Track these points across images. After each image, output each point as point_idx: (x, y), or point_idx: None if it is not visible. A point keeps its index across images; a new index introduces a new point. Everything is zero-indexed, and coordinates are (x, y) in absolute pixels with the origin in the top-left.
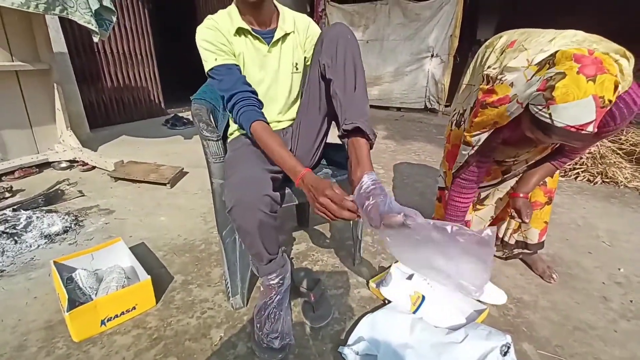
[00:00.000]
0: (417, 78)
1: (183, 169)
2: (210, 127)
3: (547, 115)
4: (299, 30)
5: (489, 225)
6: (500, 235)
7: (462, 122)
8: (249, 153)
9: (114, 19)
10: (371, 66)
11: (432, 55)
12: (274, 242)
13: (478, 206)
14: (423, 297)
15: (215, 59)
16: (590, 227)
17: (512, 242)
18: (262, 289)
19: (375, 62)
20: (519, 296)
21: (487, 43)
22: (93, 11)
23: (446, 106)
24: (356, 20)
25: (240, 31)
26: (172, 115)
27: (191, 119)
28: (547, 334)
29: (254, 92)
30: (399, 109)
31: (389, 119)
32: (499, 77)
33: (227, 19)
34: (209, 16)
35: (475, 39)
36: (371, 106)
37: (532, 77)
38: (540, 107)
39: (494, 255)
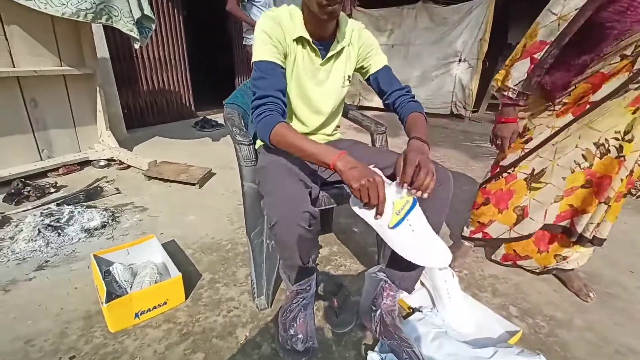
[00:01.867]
0: (443, 83)
1: (211, 170)
2: (243, 132)
3: None
4: (353, 42)
5: (570, 216)
6: (580, 230)
7: None
8: (285, 166)
9: (154, 26)
10: (396, 70)
11: (459, 60)
12: (308, 253)
13: (534, 184)
14: (414, 201)
15: (266, 55)
16: (632, 244)
17: (591, 237)
18: (288, 292)
19: (401, 67)
20: (551, 313)
21: None
22: (135, 20)
23: (473, 112)
24: (382, 24)
25: (300, 39)
26: (202, 117)
27: (219, 122)
28: (582, 356)
29: (285, 103)
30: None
31: None
32: None
33: (289, 19)
34: (274, 8)
35: (506, 43)
36: None
37: None
38: None
39: (525, 269)
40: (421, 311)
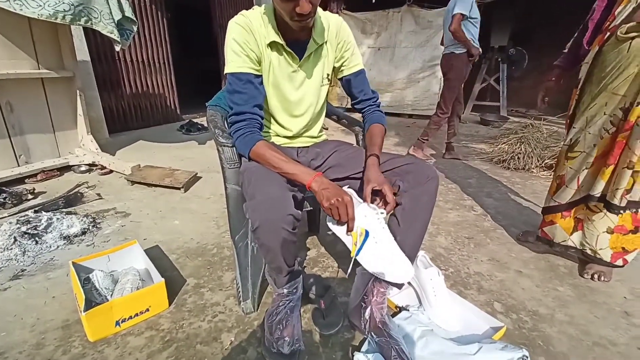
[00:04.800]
0: (429, 85)
1: (197, 173)
2: (226, 134)
3: None
4: (330, 39)
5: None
6: (593, 192)
7: None
8: (269, 170)
9: (135, 28)
10: (383, 73)
11: None
12: (292, 256)
13: (569, 154)
14: (366, 233)
15: (239, 66)
16: None
17: (624, 204)
18: (274, 295)
19: (387, 69)
20: (534, 308)
21: None
22: (115, 21)
23: None
24: (368, 27)
25: (273, 45)
26: (187, 121)
27: (205, 125)
28: (564, 349)
29: (262, 117)
30: (410, 115)
31: (400, 125)
32: None
33: (261, 23)
34: (244, 12)
35: (490, 46)
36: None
37: None
38: None
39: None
40: (408, 310)
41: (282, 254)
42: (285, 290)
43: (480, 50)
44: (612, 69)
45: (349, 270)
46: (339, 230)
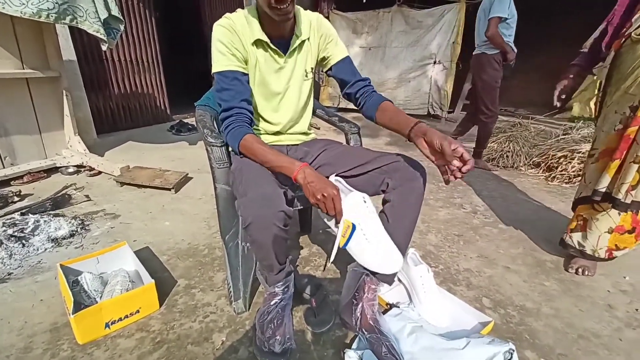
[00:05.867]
0: (420, 84)
1: (187, 174)
2: (215, 133)
3: None
4: (312, 35)
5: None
6: (598, 187)
7: None
8: (260, 167)
9: (122, 27)
10: (374, 72)
11: (434, 62)
12: (284, 253)
13: (591, 152)
14: (353, 226)
15: (225, 65)
16: None
17: (629, 201)
18: (266, 294)
19: (378, 69)
20: (521, 303)
21: None
22: (102, 20)
23: (449, 112)
24: (359, 27)
25: (258, 42)
26: (177, 121)
27: (195, 125)
28: (550, 342)
29: (251, 112)
30: None
31: None
32: None
33: (245, 24)
34: (227, 15)
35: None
36: None
37: None
38: None
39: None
40: (398, 307)
41: (273, 250)
42: (276, 289)
43: (516, 52)
44: (627, 69)
45: (332, 259)
46: (330, 221)
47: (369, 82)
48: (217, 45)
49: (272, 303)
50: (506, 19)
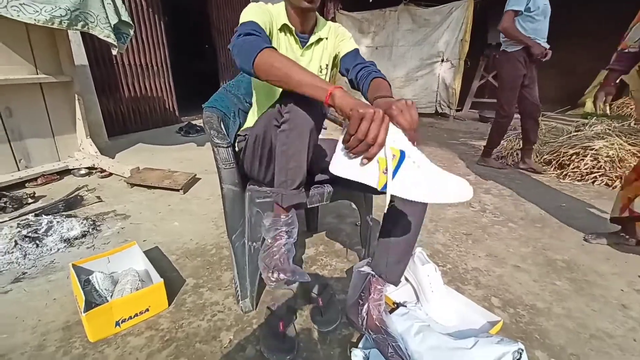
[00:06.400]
0: (428, 83)
1: (195, 175)
2: (221, 134)
3: None
4: (330, 37)
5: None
6: None
7: None
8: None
9: (132, 32)
10: (381, 71)
11: (442, 60)
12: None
13: None
14: (402, 154)
15: (251, 17)
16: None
17: None
18: (269, 239)
19: (386, 68)
20: (532, 303)
21: None
22: (112, 25)
23: (457, 110)
24: (365, 27)
25: (284, 28)
26: (186, 123)
27: (203, 127)
28: (561, 342)
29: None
30: None
31: None
32: None
33: (276, 13)
34: (261, 2)
35: (487, 43)
36: None
37: None
38: None
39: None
40: (405, 306)
41: (307, 153)
42: (284, 218)
43: (546, 48)
44: None
45: (388, 199)
46: (351, 166)
47: (369, 64)
48: (248, 10)
49: (275, 245)
50: (528, 12)
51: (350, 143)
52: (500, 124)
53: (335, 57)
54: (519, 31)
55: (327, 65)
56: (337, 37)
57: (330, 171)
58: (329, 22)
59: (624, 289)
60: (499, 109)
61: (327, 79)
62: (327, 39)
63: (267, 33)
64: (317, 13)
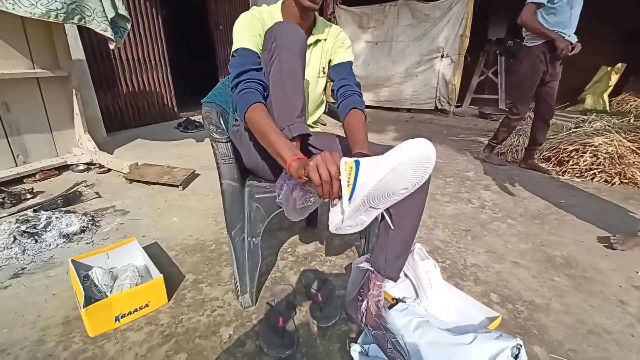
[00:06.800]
0: (427, 78)
1: (195, 171)
2: (220, 129)
3: None
4: (328, 38)
5: None
6: None
7: None
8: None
9: (129, 26)
10: (380, 67)
11: (442, 56)
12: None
13: None
14: (356, 163)
15: (242, 43)
16: (608, 229)
17: None
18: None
19: (385, 63)
20: (530, 299)
21: None
22: (109, 19)
23: (457, 106)
24: (365, 22)
25: None
26: (185, 118)
27: (202, 122)
28: (559, 338)
29: (262, 80)
30: (409, 110)
31: (398, 120)
32: None
33: (269, 14)
34: (254, 7)
35: (487, 39)
36: (381, 108)
37: None
38: None
39: None
40: (404, 302)
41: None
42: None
43: (571, 42)
44: None
45: (334, 226)
46: (336, 212)
47: (353, 83)
48: (238, 28)
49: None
50: (551, 3)
51: (322, 193)
52: (510, 121)
53: (330, 61)
54: (540, 24)
55: (323, 68)
56: (335, 41)
57: (331, 232)
58: (329, 23)
59: (622, 285)
60: (511, 106)
61: (324, 83)
62: (325, 40)
63: (258, 41)
64: (316, 13)
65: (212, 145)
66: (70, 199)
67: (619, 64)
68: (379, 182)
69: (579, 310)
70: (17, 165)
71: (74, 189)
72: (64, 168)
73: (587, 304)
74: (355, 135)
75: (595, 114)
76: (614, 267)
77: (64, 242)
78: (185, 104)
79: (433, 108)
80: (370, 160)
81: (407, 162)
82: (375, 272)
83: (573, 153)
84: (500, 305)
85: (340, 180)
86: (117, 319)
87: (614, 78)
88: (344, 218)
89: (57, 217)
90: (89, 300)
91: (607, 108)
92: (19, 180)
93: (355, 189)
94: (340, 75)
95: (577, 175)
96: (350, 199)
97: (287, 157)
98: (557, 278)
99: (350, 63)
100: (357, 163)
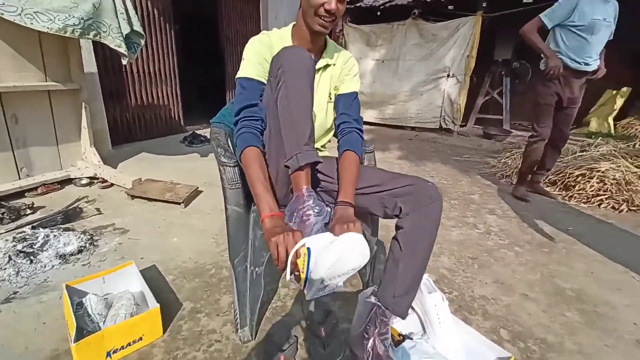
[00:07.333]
0: (432, 98)
1: (197, 187)
2: (228, 153)
3: None
4: (337, 64)
5: None
6: None
7: None
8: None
9: (142, 42)
10: (387, 85)
11: (448, 75)
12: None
13: None
14: (308, 250)
15: (247, 72)
16: (618, 260)
17: None
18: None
19: (391, 81)
20: (542, 336)
21: None
22: (124, 35)
23: (461, 126)
24: (373, 40)
25: None
26: (191, 132)
27: (208, 137)
28: None
29: (261, 116)
30: (413, 128)
31: (403, 138)
32: None
33: (279, 39)
34: (264, 32)
35: (493, 60)
36: (385, 125)
37: None
38: None
39: None
40: (412, 338)
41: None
42: (306, 191)
43: (562, 64)
44: None
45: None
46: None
47: (355, 119)
48: (247, 54)
49: (306, 225)
50: (573, 25)
51: (279, 267)
52: (531, 145)
53: (336, 88)
54: (538, 37)
55: (331, 93)
56: (343, 68)
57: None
58: (339, 48)
59: (638, 323)
60: (531, 130)
61: (333, 108)
62: (334, 65)
63: (265, 68)
64: (327, 36)
65: (220, 169)
66: (70, 216)
67: (625, 88)
68: (328, 269)
69: (593, 351)
70: (19, 179)
71: (75, 204)
72: (66, 182)
73: (601, 343)
74: (343, 181)
75: (600, 137)
76: (627, 303)
77: (59, 263)
78: (191, 117)
79: (437, 127)
80: (322, 244)
81: (351, 252)
82: (382, 307)
83: (579, 178)
84: (511, 343)
85: (293, 263)
86: (108, 354)
87: (619, 102)
88: (309, 294)
89: (55, 236)
90: (80, 332)
91: (612, 131)
92: (20, 194)
93: (309, 276)
94: (343, 109)
95: (583, 200)
96: (305, 285)
97: (262, 210)
98: (568, 313)
99: (355, 94)
100: (309, 251)
